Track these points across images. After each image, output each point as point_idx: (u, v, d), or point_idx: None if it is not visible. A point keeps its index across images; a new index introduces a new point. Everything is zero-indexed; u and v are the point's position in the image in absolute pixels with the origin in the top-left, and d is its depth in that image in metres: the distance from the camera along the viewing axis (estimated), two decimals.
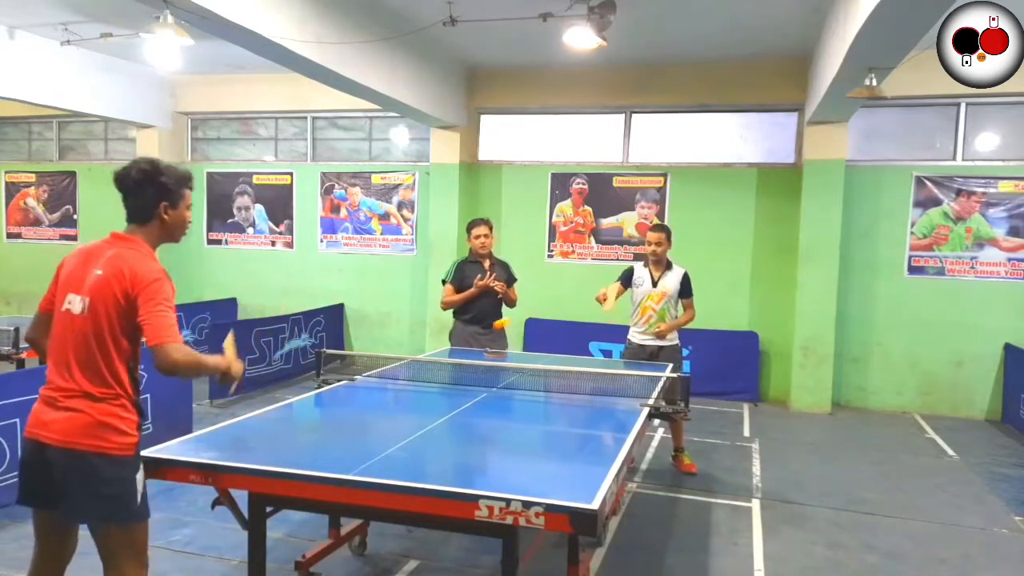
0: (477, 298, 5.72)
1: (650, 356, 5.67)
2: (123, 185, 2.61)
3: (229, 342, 2.85)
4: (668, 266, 5.80)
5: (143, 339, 2.50)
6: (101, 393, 2.49)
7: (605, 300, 5.45)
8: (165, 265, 2.63)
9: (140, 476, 2.55)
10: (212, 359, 2.69)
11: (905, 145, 8.55)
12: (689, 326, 5.95)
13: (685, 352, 8.44)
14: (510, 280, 6.00)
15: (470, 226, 5.92)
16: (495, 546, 2.66)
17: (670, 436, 6.14)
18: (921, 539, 4.77)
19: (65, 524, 2.62)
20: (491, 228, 5.91)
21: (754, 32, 7.61)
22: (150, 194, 2.60)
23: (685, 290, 5.76)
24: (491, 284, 5.66)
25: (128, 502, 2.50)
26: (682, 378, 4.13)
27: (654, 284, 5.73)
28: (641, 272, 5.82)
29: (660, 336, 5.69)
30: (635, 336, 5.84)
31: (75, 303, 2.53)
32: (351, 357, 5.16)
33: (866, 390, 8.66)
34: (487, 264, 5.86)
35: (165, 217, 2.64)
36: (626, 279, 5.83)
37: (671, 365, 5.21)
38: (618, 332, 8.93)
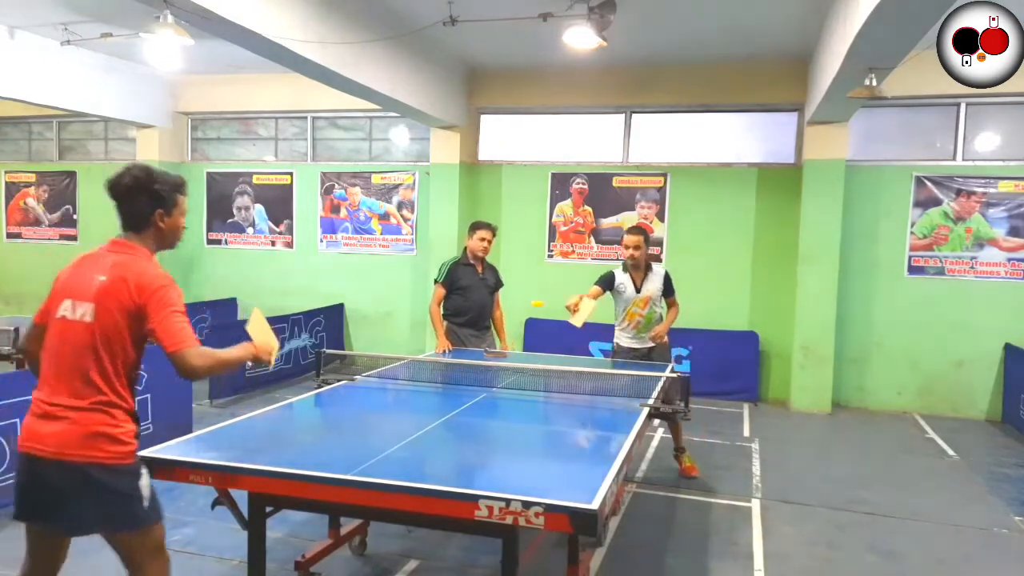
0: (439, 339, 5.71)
1: (643, 358, 5.64)
2: (115, 193, 2.56)
3: (254, 322, 2.82)
4: (648, 268, 5.70)
5: (160, 346, 2.45)
6: (92, 402, 2.43)
7: (576, 311, 5.13)
8: (164, 264, 2.62)
9: (144, 482, 2.50)
10: (235, 352, 2.66)
11: (905, 145, 8.55)
12: (687, 324, 5.91)
13: (684, 352, 8.53)
14: (498, 285, 6.06)
15: (475, 226, 5.87)
16: (495, 546, 2.66)
17: (670, 436, 6.13)
18: (921, 539, 4.77)
19: (59, 537, 2.56)
20: (495, 234, 5.90)
21: (754, 32, 7.61)
22: (144, 202, 2.56)
23: (668, 289, 5.71)
24: (448, 350, 5.60)
25: (134, 508, 2.45)
26: (682, 378, 4.13)
27: (637, 290, 5.64)
28: (622, 278, 5.68)
29: (658, 339, 5.65)
30: (624, 340, 5.78)
31: (73, 309, 2.47)
32: (351, 357, 5.17)
33: (866, 390, 8.66)
34: (480, 268, 5.89)
35: (161, 225, 2.60)
36: (606, 284, 5.65)
37: (670, 365, 5.21)
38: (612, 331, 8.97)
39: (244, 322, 2.91)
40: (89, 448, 2.39)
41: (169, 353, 2.42)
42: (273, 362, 2.82)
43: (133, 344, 2.50)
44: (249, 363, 2.74)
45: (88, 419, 2.41)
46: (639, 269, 5.67)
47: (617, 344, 5.85)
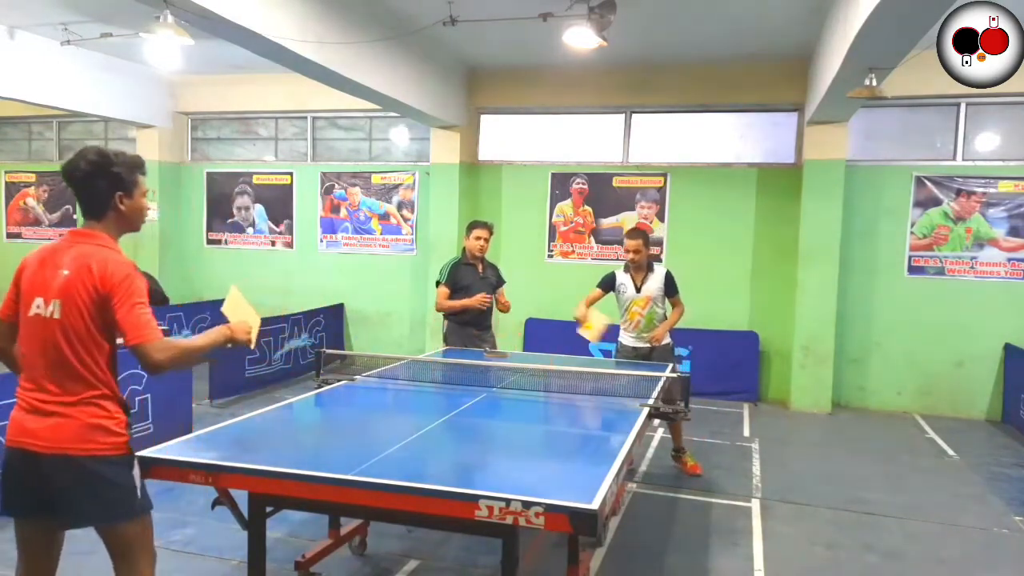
0: (470, 308, 5.75)
1: (643, 358, 5.68)
2: (73, 179, 2.47)
3: (231, 301, 2.79)
4: (649, 268, 5.78)
5: (122, 337, 2.42)
6: (82, 396, 2.41)
7: (586, 323, 5.45)
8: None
9: (136, 472, 2.51)
10: (203, 339, 2.60)
11: (905, 145, 8.55)
12: (687, 324, 5.94)
13: (685, 352, 8.52)
14: (499, 283, 6.08)
15: (471, 226, 5.92)
16: (495, 546, 2.66)
17: (670, 436, 6.15)
18: (921, 539, 4.77)
19: (52, 531, 2.53)
20: (491, 233, 5.93)
21: (754, 32, 7.60)
22: (103, 186, 2.47)
23: (670, 289, 5.75)
24: (486, 302, 5.73)
25: (130, 499, 2.47)
26: (682, 378, 4.13)
27: (637, 290, 5.74)
28: (623, 278, 5.82)
29: (656, 342, 5.70)
30: (626, 339, 5.88)
31: (42, 307, 2.42)
32: (351, 357, 5.17)
33: (866, 390, 8.66)
34: (480, 267, 5.92)
35: (122, 207, 2.51)
36: (607, 285, 5.85)
37: (670, 365, 5.22)
38: (618, 332, 8.97)
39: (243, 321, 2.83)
40: (86, 441, 2.39)
41: (131, 346, 2.37)
42: (255, 341, 2.74)
43: (105, 334, 2.45)
44: (229, 346, 2.66)
45: (81, 413, 2.41)
46: (640, 269, 5.75)
47: (620, 343, 5.92)
